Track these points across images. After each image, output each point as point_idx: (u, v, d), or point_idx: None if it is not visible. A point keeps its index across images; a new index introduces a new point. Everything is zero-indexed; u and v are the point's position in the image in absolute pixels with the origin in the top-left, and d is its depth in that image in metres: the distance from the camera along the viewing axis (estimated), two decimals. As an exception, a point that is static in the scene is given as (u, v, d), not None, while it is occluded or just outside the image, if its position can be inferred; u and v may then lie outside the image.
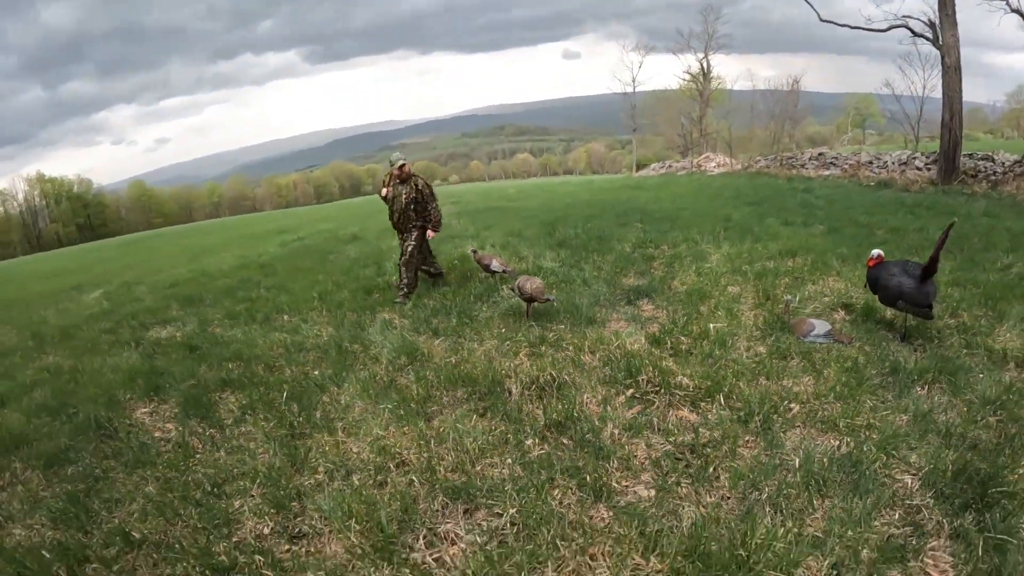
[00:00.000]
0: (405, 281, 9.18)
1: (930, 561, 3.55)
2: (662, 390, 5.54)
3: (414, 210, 9.16)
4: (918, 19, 21.67)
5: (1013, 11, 24.16)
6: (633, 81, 65.03)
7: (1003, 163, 20.86)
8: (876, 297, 6.90)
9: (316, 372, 6.63)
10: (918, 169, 23.76)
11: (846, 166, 27.14)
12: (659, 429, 5.00)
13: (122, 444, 5.57)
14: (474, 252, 9.49)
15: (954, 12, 19.95)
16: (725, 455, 4.57)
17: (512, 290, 7.87)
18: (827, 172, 27.18)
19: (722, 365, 5.95)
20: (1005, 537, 3.56)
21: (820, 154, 30.80)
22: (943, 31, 20.24)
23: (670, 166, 45.74)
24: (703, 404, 5.33)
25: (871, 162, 26.58)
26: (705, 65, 61.21)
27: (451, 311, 8.11)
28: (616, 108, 70.49)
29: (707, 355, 6.23)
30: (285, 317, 8.96)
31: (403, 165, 9.05)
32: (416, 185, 9.13)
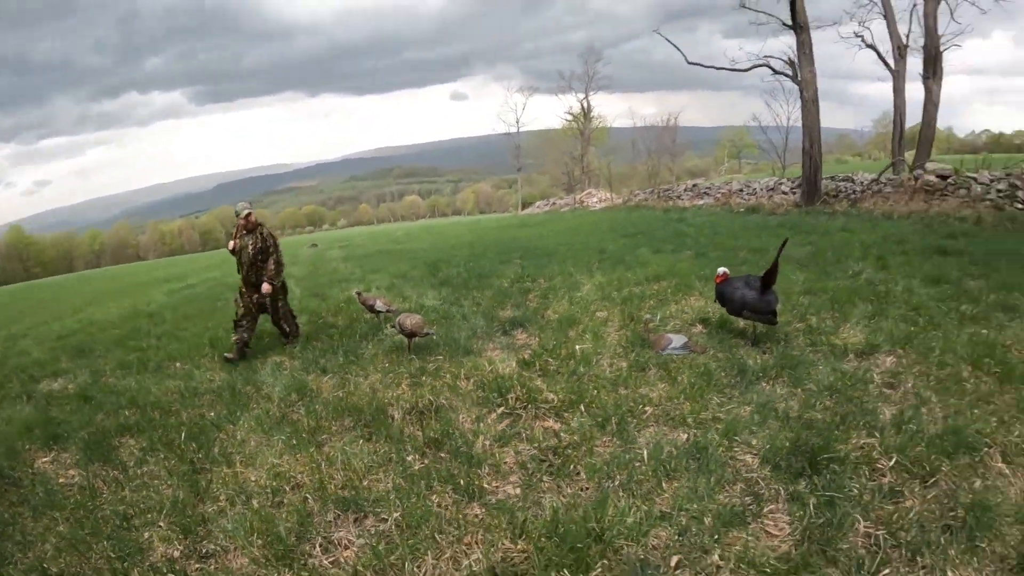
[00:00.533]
0: (292, 328, 9.47)
1: (769, 522, 4.24)
2: (529, 405, 6.20)
3: (262, 261, 9.03)
4: (779, 58, 24.28)
5: (868, 46, 28.76)
6: (517, 122, 67.74)
7: (861, 182, 23.04)
8: (725, 310, 7.81)
9: (212, 413, 6.90)
10: (784, 194, 25.81)
11: (718, 195, 29.06)
12: (526, 438, 5.63)
13: (27, 491, 5.69)
14: (359, 294, 9.87)
15: (811, 51, 22.46)
16: (584, 454, 5.23)
17: (394, 327, 8.35)
18: (701, 201, 28.96)
19: (585, 380, 6.65)
20: (833, 493, 4.33)
21: (694, 185, 32.79)
22: (801, 68, 22.73)
23: (554, 203, 47.25)
24: (566, 414, 5.99)
25: (741, 190, 28.59)
26: (586, 105, 63.77)
27: (338, 350, 8.50)
28: (503, 148, 72.80)
29: (572, 372, 6.92)
30: (177, 364, 9.05)
31: (249, 215, 9.03)
32: (261, 235, 9.04)
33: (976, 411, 5.48)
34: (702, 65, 28.00)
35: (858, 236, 14.12)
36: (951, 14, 26.34)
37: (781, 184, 26.95)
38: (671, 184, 39.00)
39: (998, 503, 4.22)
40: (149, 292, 20.50)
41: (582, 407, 6.01)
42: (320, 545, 4.39)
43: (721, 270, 7.91)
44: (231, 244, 9.14)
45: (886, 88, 28.30)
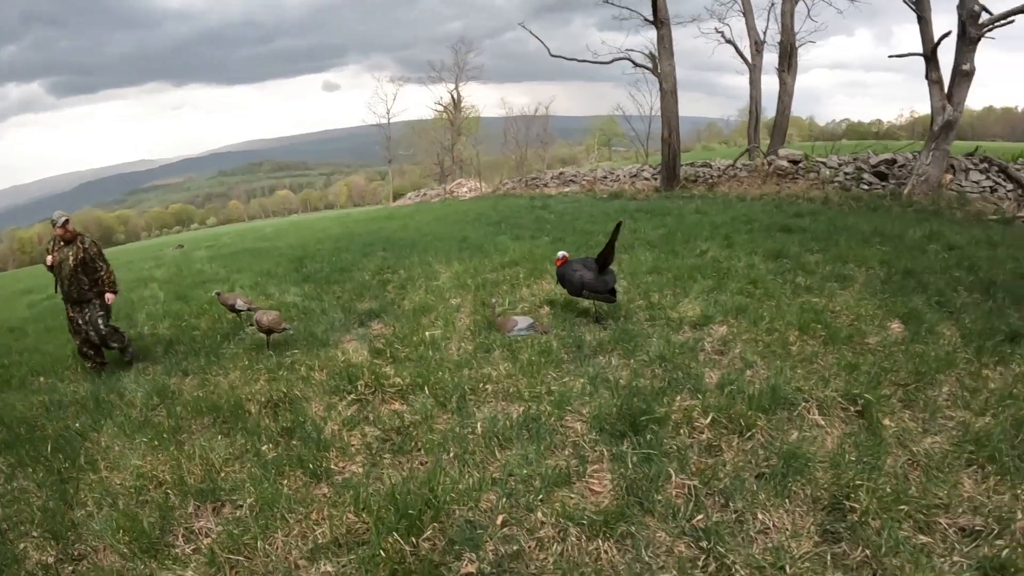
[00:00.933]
0: (121, 343, 8.69)
1: (594, 480, 4.63)
2: (377, 390, 6.39)
3: (84, 274, 8.42)
4: (640, 52, 25.86)
5: (727, 41, 31.90)
6: (388, 113, 67.23)
7: (719, 168, 24.61)
8: (567, 292, 8.21)
9: (77, 423, 6.73)
10: (646, 180, 27.02)
11: (584, 182, 29.92)
12: (373, 421, 5.84)
13: None
14: (218, 295, 9.71)
15: (671, 45, 23.70)
16: (424, 431, 5.49)
17: (252, 325, 8.33)
18: (567, 189, 29.69)
19: (432, 364, 6.88)
20: (650, 451, 4.74)
21: (561, 173, 33.59)
22: (661, 61, 23.96)
23: (425, 194, 47.32)
24: (411, 396, 6.22)
25: (606, 177, 29.58)
26: (456, 95, 64.15)
27: (200, 352, 8.40)
28: (375, 140, 72.39)
29: (420, 358, 7.13)
30: (41, 379, 8.68)
31: (67, 222, 8.34)
32: (82, 245, 8.44)
33: (799, 371, 6.06)
34: (564, 58, 29.08)
35: (710, 218, 15.00)
36: (808, 12, 29.41)
37: (643, 171, 28.10)
38: (538, 172, 39.69)
39: (813, 451, 4.71)
40: (10, 306, 19.32)
41: (426, 389, 6.25)
42: (182, 535, 4.56)
43: (560, 253, 8.34)
44: (49, 259, 8.55)
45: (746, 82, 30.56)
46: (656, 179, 26.10)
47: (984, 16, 16.17)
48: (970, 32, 16.13)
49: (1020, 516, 4.08)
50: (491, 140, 78.82)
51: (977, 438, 4.92)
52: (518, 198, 28.89)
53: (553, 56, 28.67)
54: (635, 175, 28.01)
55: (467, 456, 5.02)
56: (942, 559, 3.78)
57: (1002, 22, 16.19)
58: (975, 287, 8.64)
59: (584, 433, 5.21)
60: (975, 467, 4.66)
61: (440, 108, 66.20)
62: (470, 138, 69.89)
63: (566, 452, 4.99)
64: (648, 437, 4.95)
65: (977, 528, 4.02)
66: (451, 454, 5.09)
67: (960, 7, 16.20)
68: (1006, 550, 3.79)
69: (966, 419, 5.32)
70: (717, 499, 4.29)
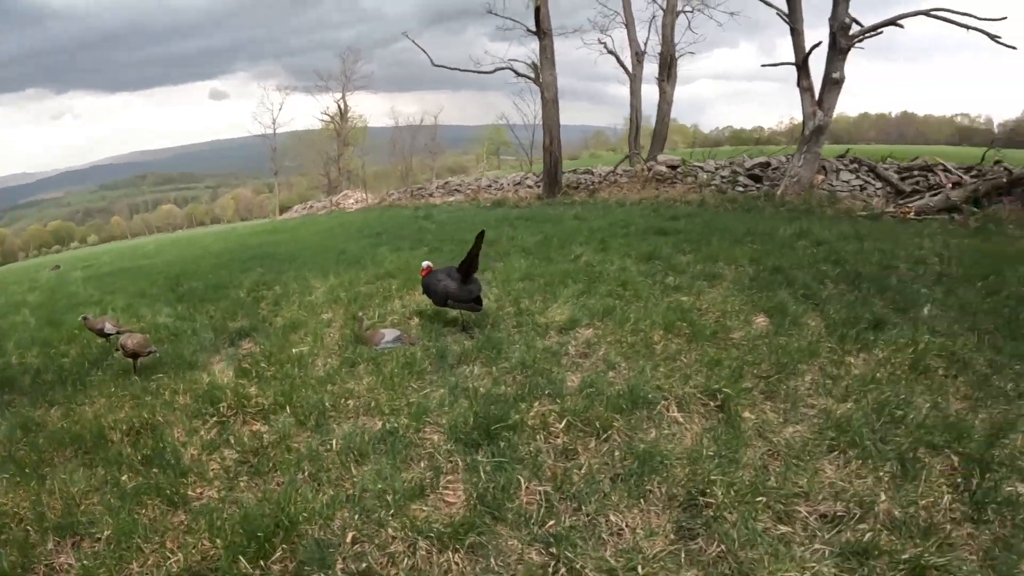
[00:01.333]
0: None
1: (448, 492, 4.56)
2: (238, 412, 6.15)
3: None
4: (523, 62, 26.21)
5: (609, 52, 33.75)
6: (274, 123, 66.16)
7: (600, 174, 25.35)
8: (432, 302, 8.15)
9: None
10: (529, 187, 27.48)
11: (468, 191, 30.15)
12: (233, 443, 5.60)
13: None
14: (85, 319, 9.20)
15: (552, 55, 24.24)
16: (282, 451, 5.33)
17: (117, 350, 7.94)
18: (452, 198, 29.79)
19: (297, 381, 6.66)
20: (502, 459, 4.70)
21: (446, 183, 33.79)
22: (543, 71, 24.43)
23: (311, 207, 46.77)
24: (273, 416, 6.00)
25: (490, 185, 29.95)
26: (343, 105, 63.63)
27: (67, 381, 7.96)
28: (263, 151, 70.74)
29: (286, 376, 6.88)
30: None
31: None
32: None
33: (661, 369, 6.14)
34: (447, 67, 29.29)
35: (588, 223, 15.18)
36: (688, 24, 31.47)
37: (527, 178, 28.59)
38: (424, 183, 39.72)
39: (671, 449, 4.75)
40: None
41: (288, 407, 6.06)
42: (43, 573, 4.33)
43: (425, 264, 8.25)
44: None
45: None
46: (539, 187, 26.51)
47: (855, 28, 17.40)
48: (840, 43, 17.37)
49: (883, 498, 4.19)
50: (379, 150, 78.46)
51: (838, 424, 5.07)
52: (403, 209, 28.87)
53: (435, 66, 28.74)
54: (519, 183, 28.41)
55: (322, 474, 4.87)
56: (802, 547, 3.83)
57: (871, 34, 17.53)
58: (841, 279, 8.99)
59: (440, 444, 5.14)
60: (837, 452, 4.79)
61: (327, 118, 65.64)
62: (357, 149, 69.43)
63: (422, 464, 4.91)
64: (502, 445, 4.91)
65: (839, 514, 4.11)
66: (306, 473, 4.94)
67: (832, 19, 17.40)
68: (869, 533, 3.88)
69: (828, 406, 5.47)
70: (570, 504, 4.26)
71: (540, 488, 4.40)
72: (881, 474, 4.48)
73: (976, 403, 5.62)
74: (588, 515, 4.13)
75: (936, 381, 6.00)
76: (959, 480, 4.49)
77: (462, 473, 4.71)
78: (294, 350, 7.64)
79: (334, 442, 5.26)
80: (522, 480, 4.46)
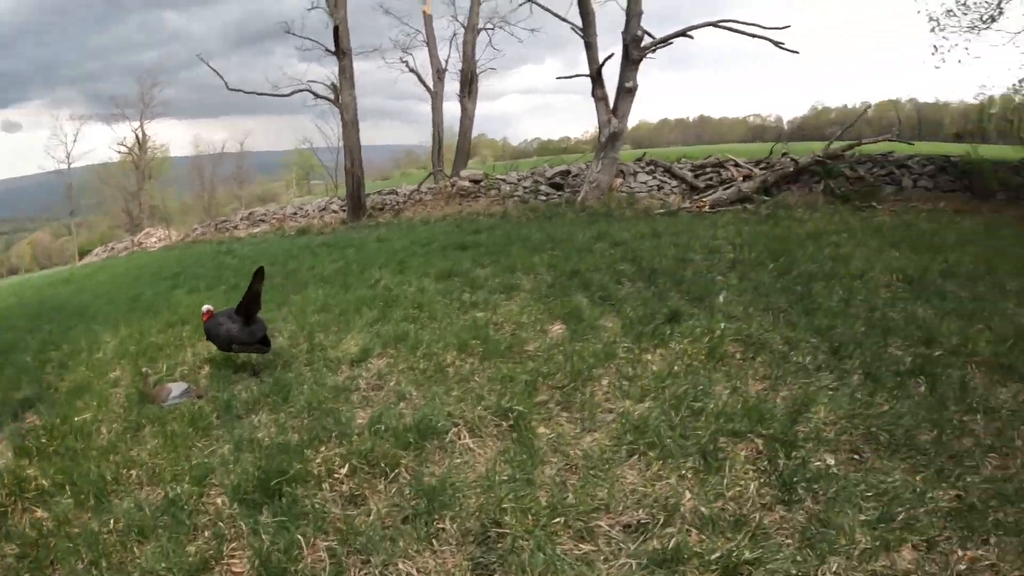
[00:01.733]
0: None
1: (234, 561, 4.18)
2: (17, 498, 5.46)
3: None
4: (323, 83, 25.87)
5: (411, 71, 34.83)
6: (68, 157, 61.35)
7: (404, 194, 25.34)
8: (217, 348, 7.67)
9: None
10: (335, 212, 27.00)
11: (273, 220, 29.21)
12: (13, 536, 4.94)
13: None
14: None
15: (352, 76, 23.97)
16: (62, 538, 4.73)
17: None
18: (257, 229, 28.75)
19: (79, 455, 6.03)
20: (281, 518, 4.37)
21: (251, 213, 32.58)
22: (342, 92, 24.08)
23: (112, 248, 43.75)
24: (54, 499, 5.36)
25: (295, 213, 29.18)
26: (140, 134, 60.20)
27: None
28: (58, 188, 65.31)
29: (68, 449, 6.26)
30: None
31: None
32: None
33: (454, 393, 6.03)
34: (243, 91, 28.22)
35: (391, 244, 15.03)
36: (489, 41, 32.99)
37: (332, 203, 28.10)
38: (228, 215, 38.32)
39: (463, 479, 4.64)
40: None
41: (67, 487, 5.43)
42: None
43: (206, 307, 7.72)
44: None
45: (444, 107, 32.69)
46: (344, 211, 26.08)
47: (647, 40, 18.49)
48: (632, 54, 18.42)
49: (687, 496, 4.26)
50: (183, 182, 74.98)
51: (636, 426, 5.12)
52: (207, 244, 27.62)
53: (230, 89, 27.83)
54: (324, 208, 27.89)
55: (102, 560, 4.36)
56: (607, 564, 3.80)
57: (661, 45, 18.69)
58: (638, 277, 9.29)
59: (223, 508, 4.72)
60: (637, 456, 4.84)
61: (124, 149, 61.91)
62: (160, 181, 66.06)
63: (206, 534, 4.47)
64: (284, 501, 4.59)
65: (643, 521, 4.11)
66: (86, 561, 4.40)
67: (624, 32, 18.47)
68: (675, 537, 3.88)
69: (626, 408, 5.55)
70: (358, 557, 4.04)
71: (326, 543, 4.16)
72: (684, 472, 4.56)
73: (776, 382, 5.92)
74: (377, 567, 3.93)
75: (734, 366, 6.30)
76: (765, 464, 4.65)
77: (247, 538, 4.34)
78: (77, 419, 6.94)
79: (112, 522, 4.72)
80: (304, 539, 4.18)
